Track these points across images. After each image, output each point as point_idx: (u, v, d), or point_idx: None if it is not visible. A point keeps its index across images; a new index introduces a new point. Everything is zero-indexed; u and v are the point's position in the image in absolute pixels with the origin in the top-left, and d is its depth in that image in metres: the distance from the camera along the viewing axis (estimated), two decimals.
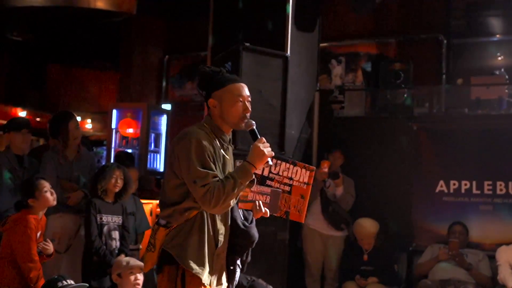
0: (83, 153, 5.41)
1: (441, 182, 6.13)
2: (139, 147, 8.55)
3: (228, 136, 3.03)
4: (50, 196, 4.31)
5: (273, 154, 2.87)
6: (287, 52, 5.59)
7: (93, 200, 4.75)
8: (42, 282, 4.14)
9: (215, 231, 2.96)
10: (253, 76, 5.22)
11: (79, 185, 5.17)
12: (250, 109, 2.96)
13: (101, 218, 4.73)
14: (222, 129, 2.98)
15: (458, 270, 5.54)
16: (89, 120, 11.96)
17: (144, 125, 8.52)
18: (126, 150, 8.21)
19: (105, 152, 9.28)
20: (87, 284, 4.13)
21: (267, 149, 2.85)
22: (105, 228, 4.73)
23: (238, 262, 3.14)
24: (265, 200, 3.01)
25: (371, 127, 6.58)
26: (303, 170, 3.07)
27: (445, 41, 8.25)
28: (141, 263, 4.16)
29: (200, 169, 2.79)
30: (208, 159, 2.83)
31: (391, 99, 6.73)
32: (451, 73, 8.20)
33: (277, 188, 3.03)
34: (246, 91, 2.98)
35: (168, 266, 2.89)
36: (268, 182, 3.02)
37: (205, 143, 2.84)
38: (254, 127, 2.93)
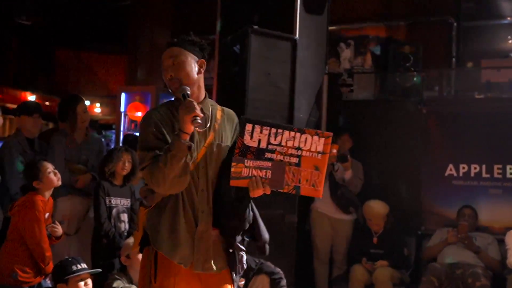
0: (92, 136, 5.43)
1: (451, 166, 6.11)
2: None
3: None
4: (54, 177, 4.32)
5: (195, 112, 2.53)
6: (295, 35, 5.55)
7: (102, 183, 4.75)
8: (51, 264, 4.16)
9: (194, 209, 2.72)
10: (261, 59, 5.20)
11: (88, 168, 5.19)
12: (172, 73, 2.70)
13: (110, 201, 4.73)
14: None
15: (466, 253, 5.53)
16: (98, 104, 11.98)
17: None
18: (135, 133, 8.21)
19: (114, 136, 9.28)
20: (100, 270, 4.14)
21: (188, 108, 2.55)
22: (114, 211, 4.74)
23: (239, 245, 2.82)
24: (266, 175, 2.60)
25: (380, 111, 6.54)
26: (315, 137, 2.69)
27: (455, 24, 8.18)
28: None
29: (140, 151, 2.64)
30: (153, 137, 2.62)
31: (401, 83, 6.68)
32: (461, 56, 8.15)
33: (281, 160, 2.63)
34: (169, 55, 2.72)
35: (147, 247, 2.76)
36: (268, 155, 2.61)
37: (156, 119, 2.64)
38: (185, 92, 2.65)
